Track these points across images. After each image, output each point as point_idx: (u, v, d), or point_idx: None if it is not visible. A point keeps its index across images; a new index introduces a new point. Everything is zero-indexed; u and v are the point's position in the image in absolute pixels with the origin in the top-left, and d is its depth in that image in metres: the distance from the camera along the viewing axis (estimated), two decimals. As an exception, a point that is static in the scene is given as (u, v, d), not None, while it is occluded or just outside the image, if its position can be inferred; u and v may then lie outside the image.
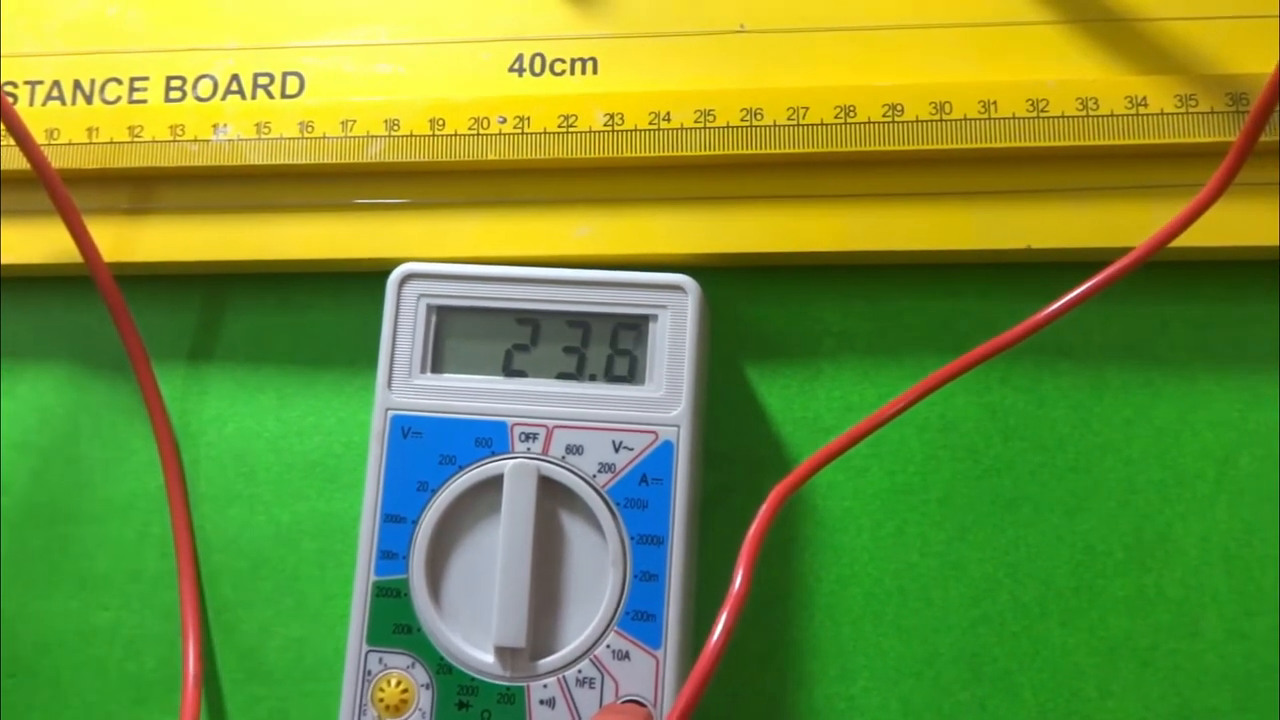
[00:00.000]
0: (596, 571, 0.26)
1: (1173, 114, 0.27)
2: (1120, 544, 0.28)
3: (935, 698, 0.28)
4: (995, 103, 0.28)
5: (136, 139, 0.30)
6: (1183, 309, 0.29)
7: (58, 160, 0.30)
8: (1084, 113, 0.27)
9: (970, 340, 0.29)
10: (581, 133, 0.29)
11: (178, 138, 0.30)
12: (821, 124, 0.28)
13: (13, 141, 0.29)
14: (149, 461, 0.31)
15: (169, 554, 0.30)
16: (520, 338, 0.27)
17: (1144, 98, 0.27)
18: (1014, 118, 0.28)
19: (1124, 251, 0.25)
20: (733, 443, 0.29)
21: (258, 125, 0.29)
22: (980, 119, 0.28)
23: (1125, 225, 0.28)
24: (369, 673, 0.26)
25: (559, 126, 0.29)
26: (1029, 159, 0.28)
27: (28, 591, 0.30)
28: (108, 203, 0.30)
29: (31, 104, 0.31)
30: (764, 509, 0.24)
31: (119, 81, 0.31)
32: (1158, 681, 0.27)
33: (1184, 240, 0.25)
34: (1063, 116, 0.27)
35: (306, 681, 0.29)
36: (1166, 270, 0.29)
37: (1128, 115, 0.27)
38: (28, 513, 0.31)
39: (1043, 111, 0.27)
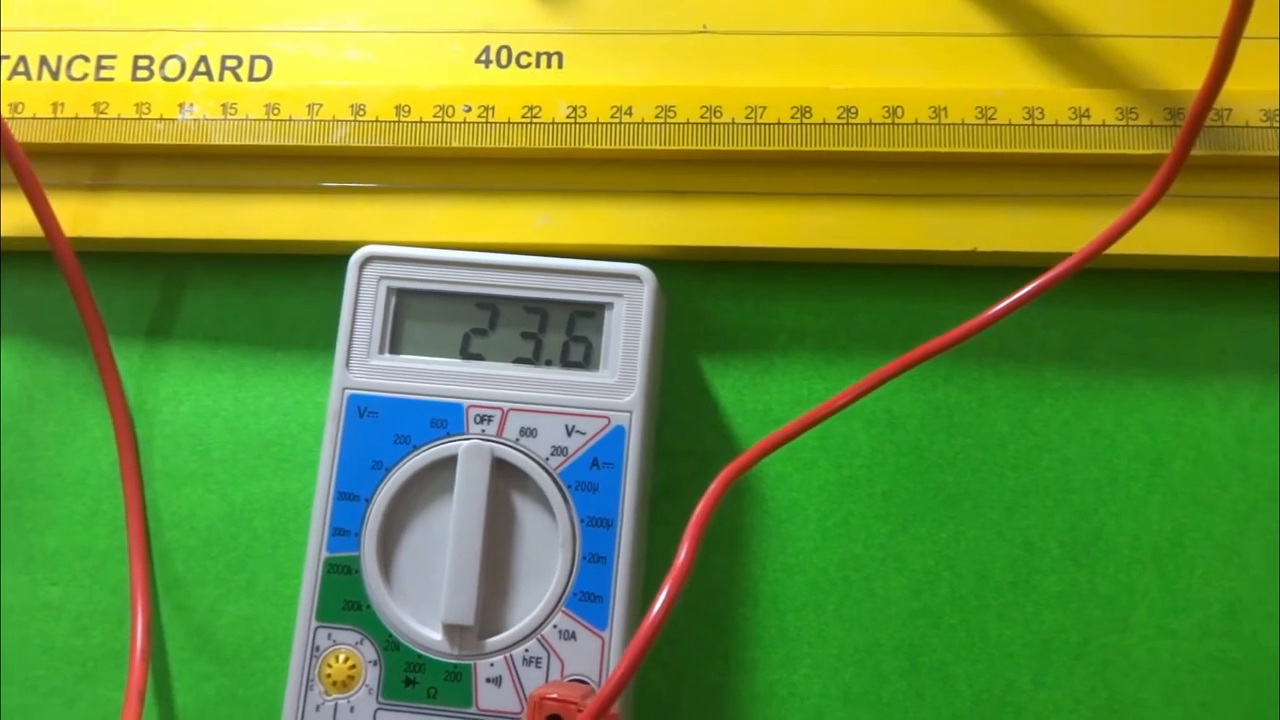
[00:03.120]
0: (546, 552, 0.27)
1: (1114, 126, 0.28)
2: (1056, 541, 0.29)
3: (874, 686, 0.28)
4: (946, 109, 0.29)
5: (102, 115, 0.30)
6: (1121, 315, 0.30)
7: (22, 134, 0.30)
8: (1030, 121, 0.28)
9: (919, 339, 0.30)
10: (545, 124, 0.29)
11: (143, 115, 0.30)
12: (778, 123, 0.29)
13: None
14: (103, 438, 0.31)
15: (120, 530, 0.30)
16: (479, 322, 0.28)
17: (1087, 109, 0.28)
18: (963, 124, 0.28)
19: (1066, 256, 0.26)
20: (684, 432, 0.30)
21: (224, 106, 0.30)
22: (931, 124, 0.28)
23: (1067, 231, 0.29)
24: (317, 648, 0.26)
25: (523, 117, 0.29)
26: (977, 164, 0.29)
27: (-25, 564, 0.30)
28: (71, 178, 0.30)
29: (-4, 78, 0.32)
30: (713, 487, 0.24)
31: (86, 59, 0.31)
32: (1089, 674, 0.28)
33: (1123, 248, 0.27)
34: (1010, 124, 0.28)
35: (255, 660, 0.29)
36: (1106, 278, 0.30)
37: (1071, 125, 0.28)
38: (-22, 485, 0.31)
39: (991, 119, 0.28)
